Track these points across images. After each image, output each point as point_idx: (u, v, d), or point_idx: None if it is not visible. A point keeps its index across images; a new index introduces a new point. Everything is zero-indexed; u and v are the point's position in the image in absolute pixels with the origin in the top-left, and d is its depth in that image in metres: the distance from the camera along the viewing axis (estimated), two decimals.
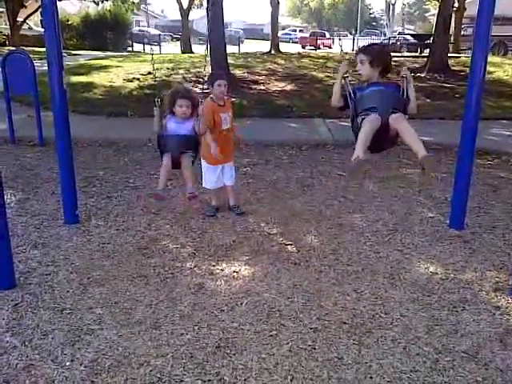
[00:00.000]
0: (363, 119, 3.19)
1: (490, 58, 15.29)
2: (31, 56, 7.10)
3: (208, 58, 12.24)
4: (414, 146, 3.06)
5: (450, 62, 15.58)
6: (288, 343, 2.69)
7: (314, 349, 2.65)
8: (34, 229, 4.18)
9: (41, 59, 12.11)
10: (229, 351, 2.62)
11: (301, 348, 2.66)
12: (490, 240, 4.09)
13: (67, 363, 2.51)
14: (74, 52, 22.21)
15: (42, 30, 3.93)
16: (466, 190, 4.16)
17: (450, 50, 19.12)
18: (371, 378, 2.44)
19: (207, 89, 4.55)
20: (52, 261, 3.62)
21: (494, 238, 4.12)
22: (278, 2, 25.78)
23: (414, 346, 2.68)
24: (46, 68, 3.95)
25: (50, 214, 4.49)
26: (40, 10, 22.64)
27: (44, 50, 3.99)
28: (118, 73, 14.07)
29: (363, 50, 3.39)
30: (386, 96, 3.26)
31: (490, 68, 13.77)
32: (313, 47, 33.04)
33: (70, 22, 29.00)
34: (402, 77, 3.30)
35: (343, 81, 3.36)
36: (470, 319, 2.94)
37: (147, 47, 26.77)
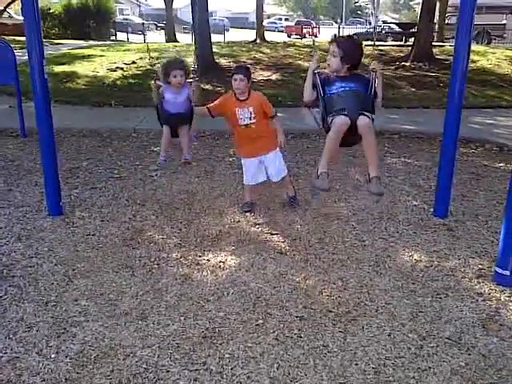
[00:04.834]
0: (333, 120, 3.31)
1: (474, 47, 15.41)
2: (12, 45, 6.97)
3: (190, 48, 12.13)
4: (370, 164, 3.39)
5: (435, 50, 15.65)
6: (274, 332, 2.71)
7: (300, 337, 2.67)
8: (17, 221, 4.13)
9: (21, 48, 11.87)
10: (215, 341, 2.62)
11: (287, 336, 2.67)
12: (473, 227, 4.14)
13: (52, 355, 2.49)
14: (56, 41, 21.85)
15: (23, 18, 3.85)
16: (449, 178, 4.20)
17: (435, 38, 19.20)
18: (357, 364, 2.46)
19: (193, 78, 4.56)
20: (36, 253, 3.59)
21: (477, 226, 4.18)
22: None
23: (399, 333, 2.71)
24: (27, 57, 3.88)
25: (33, 206, 4.44)
26: None
27: (25, 38, 3.91)
28: (102, 62, 13.89)
29: (338, 42, 3.41)
30: (355, 96, 3.35)
31: (473, 57, 13.90)
32: (299, 36, 32.92)
33: (51, 11, 28.44)
34: (372, 70, 3.40)
35: (314, 77, 3.49)
36: (454, 306, 2.98)
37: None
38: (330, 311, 2.91)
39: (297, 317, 2.85)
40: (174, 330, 2.71)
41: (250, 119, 4.11)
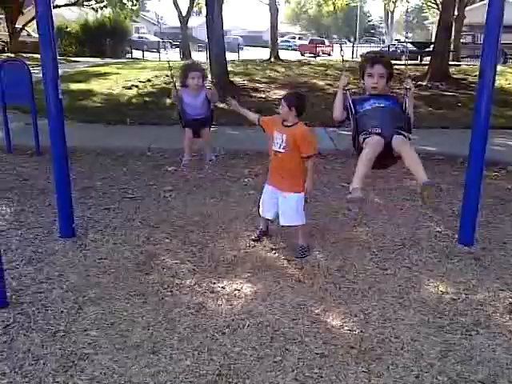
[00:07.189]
0: (365, 139, 3.12)
1: None
2: (30, 63, 7.02)
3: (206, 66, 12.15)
4: (416, 173, 3.07)
5: (451, 70, 15.52)
6: (293, 370, 2.54)
7: (321, 377, 2.50)
8: (28, 243, 4.03)
9: (38, 66, 12.00)
10: (231, 379, 2.46)
11: (307, 376, 2.50)
12: (501, 257, 3.93)
13: None
14: (72, 59, 22.15)
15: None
16: (475, 203, 4.02)
17: (450, 57, 19.07)
18: None
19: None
20: (46, 277, 3.47)
21: (506, 255, 3.97)
22: (278, 10, 25.83)
23: (427, 375, 2.53)
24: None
25: (45, 227, 4.35)
26: None
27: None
28: (117, 80, 13.98)
29: (381, 62, 3.28)
30: (389, 114, 3.19)
31: None
32: (312, 54, 33.02)
33: (68, 29, 28.97)
34: (406, 88, 3.21)
35: (344, 95, 3.34)
36: (485, 344, 2.79)
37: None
38: (353, 347, 2.74)
39: (317, 354, 2.68)
40: (186, 366, 2.56)
41: (280, 147, 3.73)
